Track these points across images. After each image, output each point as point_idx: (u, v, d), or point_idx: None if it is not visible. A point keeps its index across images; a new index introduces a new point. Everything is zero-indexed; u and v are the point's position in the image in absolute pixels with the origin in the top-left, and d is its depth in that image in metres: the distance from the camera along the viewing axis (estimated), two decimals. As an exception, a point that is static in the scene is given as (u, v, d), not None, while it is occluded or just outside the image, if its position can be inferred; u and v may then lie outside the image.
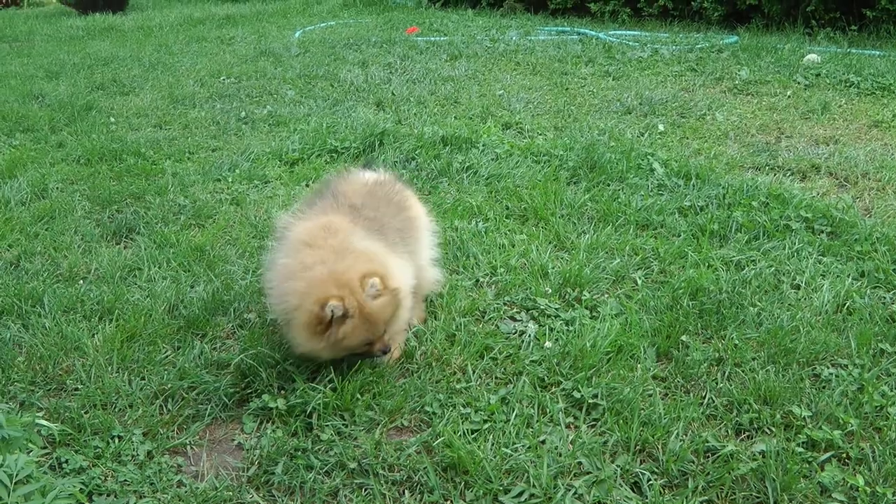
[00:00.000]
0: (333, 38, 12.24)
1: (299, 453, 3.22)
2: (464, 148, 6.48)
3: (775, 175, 6.14)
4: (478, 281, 4.50)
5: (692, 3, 12.90)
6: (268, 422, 3.43)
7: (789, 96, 8.33)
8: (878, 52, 10.39)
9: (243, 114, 7.99)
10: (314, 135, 6.95)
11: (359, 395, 3.50)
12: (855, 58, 9.95)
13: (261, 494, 3.08)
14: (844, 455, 3.22)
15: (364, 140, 6.68)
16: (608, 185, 5.79)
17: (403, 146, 6.52)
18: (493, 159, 6.29)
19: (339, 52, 11.00)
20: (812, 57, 9.88)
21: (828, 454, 3.20)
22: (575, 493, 3.01)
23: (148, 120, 7.98)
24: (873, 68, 9.27)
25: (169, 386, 3.63)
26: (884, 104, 8.02)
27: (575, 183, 5.88)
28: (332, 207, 3.76)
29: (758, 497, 3.02)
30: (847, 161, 6.36)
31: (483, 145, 6.53)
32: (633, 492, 3.04)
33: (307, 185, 5.92)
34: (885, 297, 4.35)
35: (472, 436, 3.28)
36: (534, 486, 3.03)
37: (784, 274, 4.56)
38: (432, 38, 11.87)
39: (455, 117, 7.67)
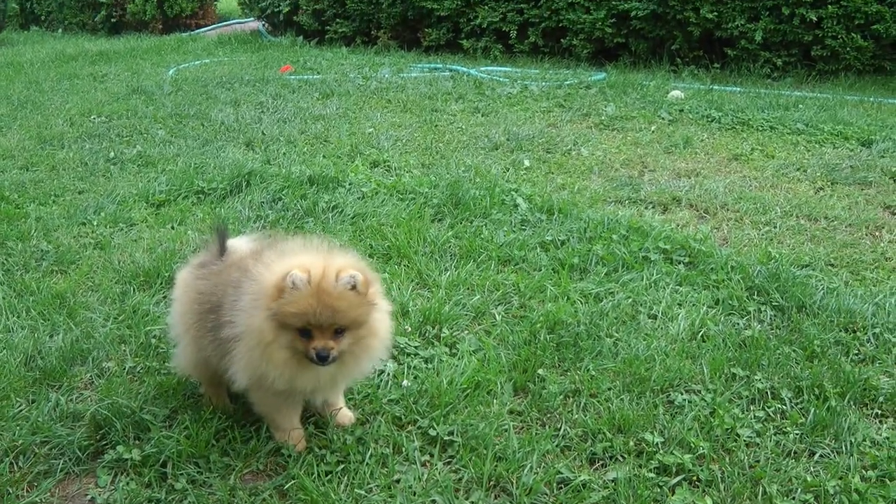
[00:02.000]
0: (207, 76, 12.12)
1: (152, 504, 3.18)
2: (330, 187, 6.48)
3: (637, 208, 6.32)
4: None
5: (562, 40, 13.17)
6: (122, 474, 3.36)
7: (653, 131, 8.58)
8: (738, 89, 10.84)
9: (112, 154, 7.84)
10: (182, 175, 6.87)
11: (214, 442, 3.46)
12: (717, 94, 10.37)
13: (112, 548, 3.02)
14: (695, 478, 3.32)
15: (231, 181, 6.62)
16: (472, 221, 5.86)
17: (270, 186, 6.48)
18: (359, 198, 6.30)
19: (212, 91, 10.89)
20: (676, 93, 10.20)
21: (678, 478, 3.30)
22: (428, 531, 3.03)
23: (14, 161, 7.76)
24: (734, 104, 9.66)
25: (20, 442, 3.51)
26: (743, 138, 8.33)
27: (439, 220, 5.93)
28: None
29: (609, 526, 3.09)
30: (707, 193, 6.59)
31: (350, 184, 6.54)
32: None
33: (172, 228, 5.83)
34: (738, 324, 4.51)
35: (327, 477, 3.27)
36: (387, 526, 3.04)
37: (641, 304, 4.68)
38: (305, 77, 11.86)
39: (324, 156, 7.66)
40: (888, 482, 3.30)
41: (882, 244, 5.62)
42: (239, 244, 3.66)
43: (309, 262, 3.09)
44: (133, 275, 5.05)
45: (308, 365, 3.15)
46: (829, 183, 6.97)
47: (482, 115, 9.41)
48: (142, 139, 8.49)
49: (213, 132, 8.70)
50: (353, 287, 3.05)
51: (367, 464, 3.34)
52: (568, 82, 11.09)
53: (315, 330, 3.08)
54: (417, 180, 6.75)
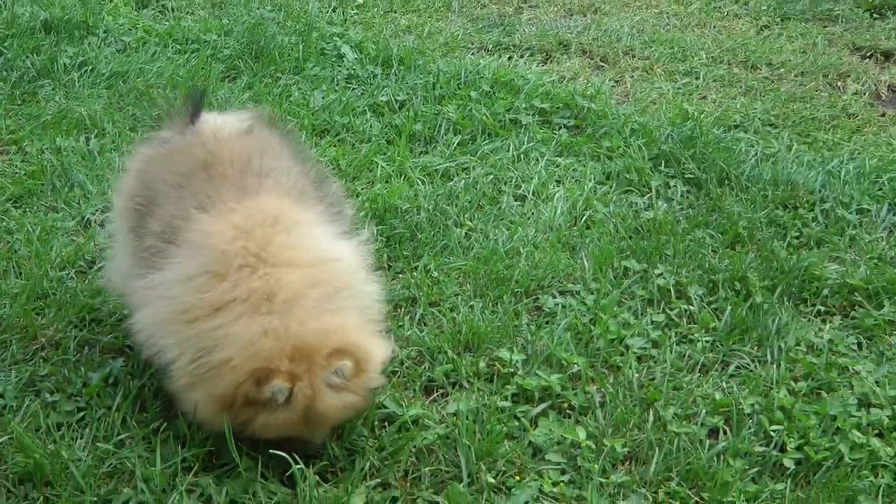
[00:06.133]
0: None
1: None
2: (77, 36, 6.41)
3: (509, 56, 6.47)
4: (86, 220, 4.51)
5: None
6: None
7: (536, -52, 8.66)
8: None
9: None
10: None
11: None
12: None
13: None
14: (565, 405, 3.48)
15: None
16: (278, 78, 5.94)
17: (-16, 35, 6.39)
18: (119, 51, 6.29)
19: None
20: None
21: (543, 406, 3.45)
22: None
23: None
24: None
25: None
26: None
27: (232, 79, 6.00)
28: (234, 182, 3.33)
29: (448, 471, 3.20)
30: (606, 35, 6.79)
31: (105, 32, 6.49)
32: (285, 485, 3.10)
33: None
34: (636, 203, 4.72)
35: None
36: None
37: (505, 183, 4.85)
38: None
39: (67, -8, 7.54)
40: (824, 395, 3.52)
41: (844, 97, 5.87)
42: (220, 122, 3.72)
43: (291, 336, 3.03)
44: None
45: None
46: (777, 19, 7.20)
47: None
48: None
49: None
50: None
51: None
52: None
53: None
54: (203, 24, 6.76)
